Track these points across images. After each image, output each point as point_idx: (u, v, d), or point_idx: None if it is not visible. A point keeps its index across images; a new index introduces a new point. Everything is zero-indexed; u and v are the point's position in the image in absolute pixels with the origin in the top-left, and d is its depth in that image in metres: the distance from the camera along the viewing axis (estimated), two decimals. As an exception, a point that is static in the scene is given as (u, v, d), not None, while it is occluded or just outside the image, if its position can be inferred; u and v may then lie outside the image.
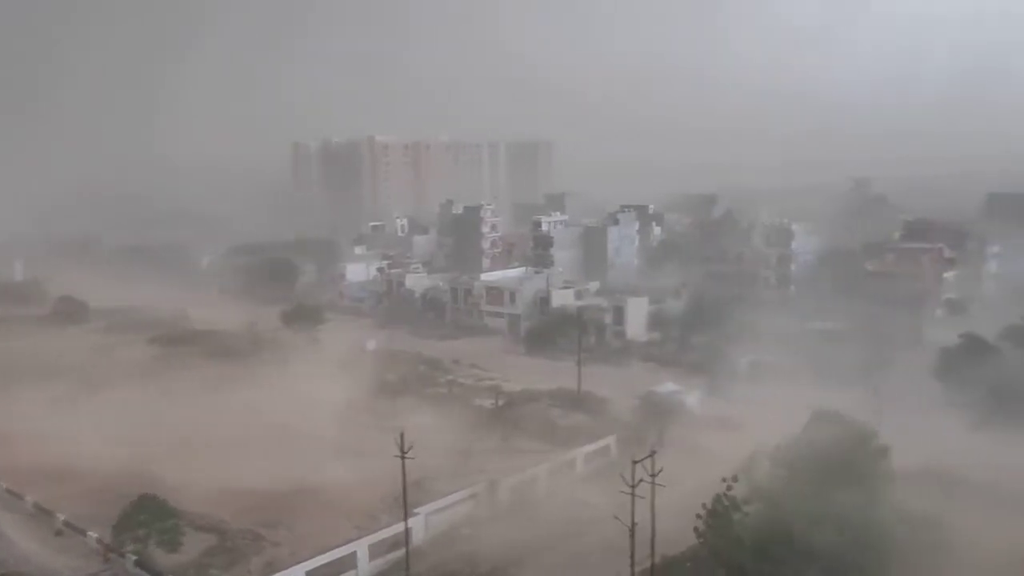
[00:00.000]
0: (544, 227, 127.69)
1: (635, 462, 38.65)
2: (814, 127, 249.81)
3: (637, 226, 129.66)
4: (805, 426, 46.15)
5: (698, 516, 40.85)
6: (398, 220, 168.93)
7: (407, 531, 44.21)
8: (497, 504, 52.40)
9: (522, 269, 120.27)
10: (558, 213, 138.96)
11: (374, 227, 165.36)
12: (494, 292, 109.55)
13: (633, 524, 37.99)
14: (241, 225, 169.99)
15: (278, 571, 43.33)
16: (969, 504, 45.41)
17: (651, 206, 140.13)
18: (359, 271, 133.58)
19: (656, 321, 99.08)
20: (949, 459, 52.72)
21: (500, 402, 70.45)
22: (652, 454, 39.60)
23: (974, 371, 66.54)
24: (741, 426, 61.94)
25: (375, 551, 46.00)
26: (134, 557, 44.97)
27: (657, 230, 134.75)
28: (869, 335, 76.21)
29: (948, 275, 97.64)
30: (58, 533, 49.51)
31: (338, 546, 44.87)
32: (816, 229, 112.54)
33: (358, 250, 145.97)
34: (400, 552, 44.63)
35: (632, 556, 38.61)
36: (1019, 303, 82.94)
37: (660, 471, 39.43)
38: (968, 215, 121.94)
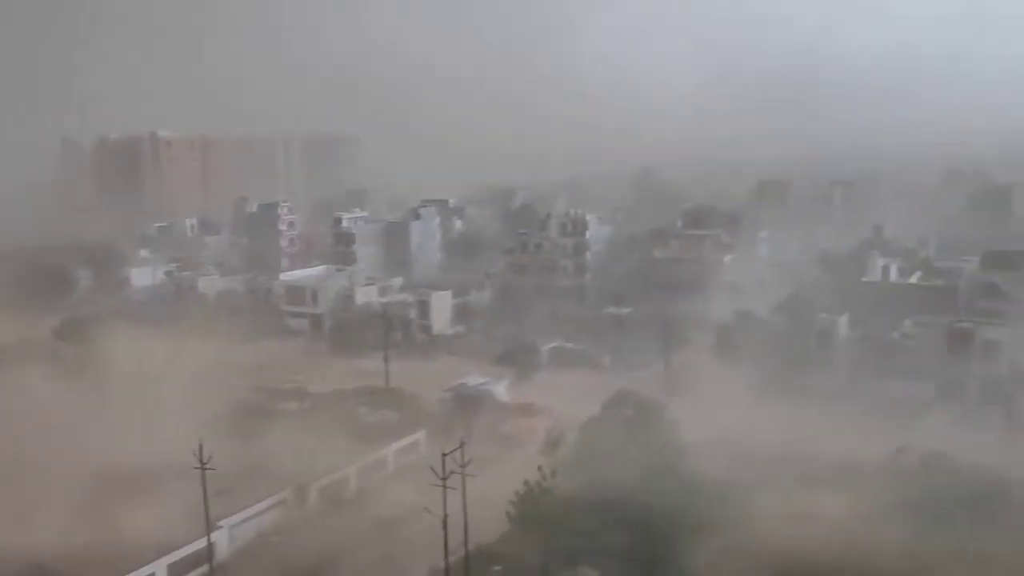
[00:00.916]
0: (345, 223, 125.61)
1: (445, 454, 38.90)
2: (605, 118, 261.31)
3: (439, 220, 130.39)
4: (604, 405, 48.36)
5: (510, 502, 41.83)
6: (187, 220, 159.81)
7: (209, 545, 42.09)
8: (307, 508, 51.06)
9: (323, 267, 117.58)
10: (359, 209, 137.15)
11: (160, 228, 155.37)
12: (295, 292, 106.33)
13: (445, 516, 38.21)
14: (2, 228, 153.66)
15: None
16: (752, 469, 49.38)
17: (452, 200, 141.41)
18: (145, 275, 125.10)
19: (461, 314, 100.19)
20: (733, 427, 57.05)
21: (306, 404, 68.54)
22: (461, 445, 40.00)
23: (751, 346, 72.45)
24: (547, 411, 64.01)
25: (176, 570, 43.48)
26: None
27: (459, 224, 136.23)
28: (660, 318, 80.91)
29: (727, 259, 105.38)
30: None
31: (134, 568, 41.93)
32: (609, 218, 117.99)
33: (143, 253, 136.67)
34: (203, 568, 42.45)
35: (445, 547, 38.84)
36: (786, 283, 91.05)
37: (470, 461, 39.91)
38: (740, 202, 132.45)
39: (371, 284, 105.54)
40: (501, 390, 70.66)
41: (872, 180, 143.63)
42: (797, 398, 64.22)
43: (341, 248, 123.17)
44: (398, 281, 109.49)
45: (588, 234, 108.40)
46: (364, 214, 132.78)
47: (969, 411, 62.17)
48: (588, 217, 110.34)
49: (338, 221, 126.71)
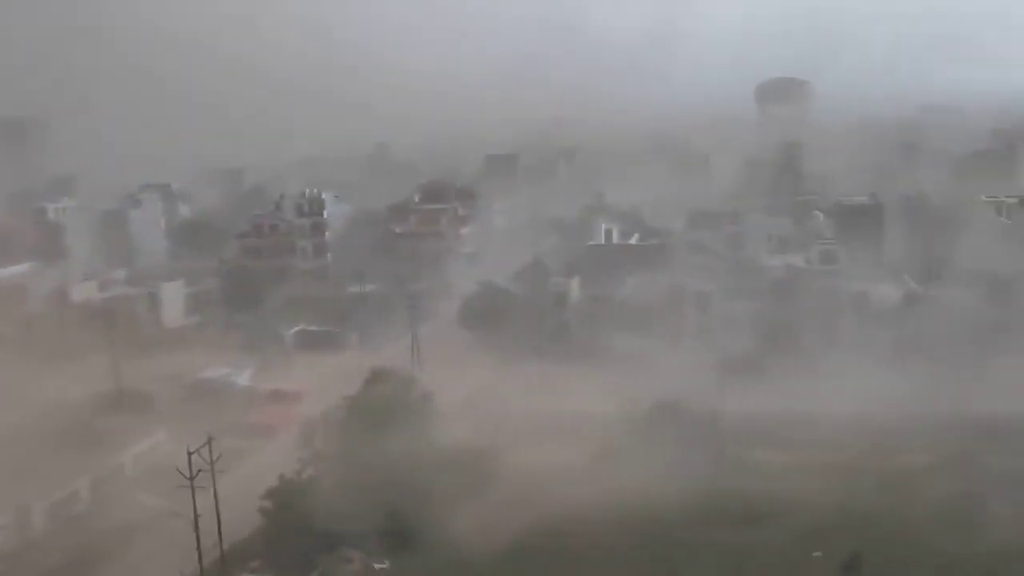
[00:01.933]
0: (51, 214, 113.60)
1: (190, 453, 36.94)
2: (336, 95, 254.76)
3: (162, 206, 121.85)
4: (358, 387, 48.11)
5: (263, 497, 40.63)
6: None
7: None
8: (32, 531, 46.18)
9: (28, 264, 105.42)
10: (67, 198, 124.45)
11: None
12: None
13: (196, 516, 36.36)
14: None
15: None
16: (501, 431, 51.57)
17: (175, 184, 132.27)
18: None
19: (196, 304, 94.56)
20: (481, 393, 59.10)
21: (22, 418, 61.54)
22: (208, 442, 38.15)
23: (493, 313, 75.25)
24: (296, 396, 62.53)
25: None
26: None
27: (184, 209, 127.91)
28: (404, 293, 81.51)
29: (464, 231, 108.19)
30: None
31: None
32: (345, 196, 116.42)
33: None
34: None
35: (199, 548, 36.98)
36: (522, 251, 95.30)
37: (219, 457, 38.23)
38: (473, 175, 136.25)
39: (89, 279, 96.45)
40: (245, 379, 68.06)
41: (593, 150, 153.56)
42: (538, 359, 67.78)
43: (48, 242, 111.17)
44: (121, 274, 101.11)
45: (325, 213, 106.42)
46: (74, 203, 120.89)
47: (687, 358, 68.59)
48: (324, 196, 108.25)
49: (42, 212, 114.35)
